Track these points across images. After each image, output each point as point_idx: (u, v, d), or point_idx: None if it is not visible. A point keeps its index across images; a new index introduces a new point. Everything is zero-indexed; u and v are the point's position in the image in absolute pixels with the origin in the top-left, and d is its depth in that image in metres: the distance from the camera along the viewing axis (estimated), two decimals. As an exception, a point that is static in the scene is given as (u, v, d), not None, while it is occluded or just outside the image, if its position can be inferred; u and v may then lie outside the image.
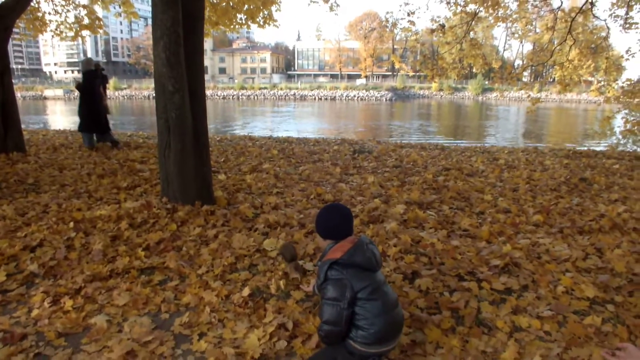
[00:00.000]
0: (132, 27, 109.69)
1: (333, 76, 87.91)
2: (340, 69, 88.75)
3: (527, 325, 2.80)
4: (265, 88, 71.06)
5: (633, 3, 11.58)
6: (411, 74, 70.91)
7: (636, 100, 11.40)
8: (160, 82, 4.41)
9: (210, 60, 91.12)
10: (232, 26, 10.20)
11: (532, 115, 30.00)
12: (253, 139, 12.79)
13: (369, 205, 5.24)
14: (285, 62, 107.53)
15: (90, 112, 8.80)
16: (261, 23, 10.30)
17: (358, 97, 65.81)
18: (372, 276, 2.23)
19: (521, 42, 79.02)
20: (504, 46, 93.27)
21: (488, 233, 4.34)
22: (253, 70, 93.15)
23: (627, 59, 12.73)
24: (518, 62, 78.44)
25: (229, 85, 75.05)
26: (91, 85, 8.76)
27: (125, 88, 69.79)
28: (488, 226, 4.59)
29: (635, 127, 11.62)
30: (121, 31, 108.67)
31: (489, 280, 3.32)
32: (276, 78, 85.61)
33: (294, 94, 68.19)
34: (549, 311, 2.92)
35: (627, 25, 11.81)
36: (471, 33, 12.98)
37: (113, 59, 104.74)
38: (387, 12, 17.03)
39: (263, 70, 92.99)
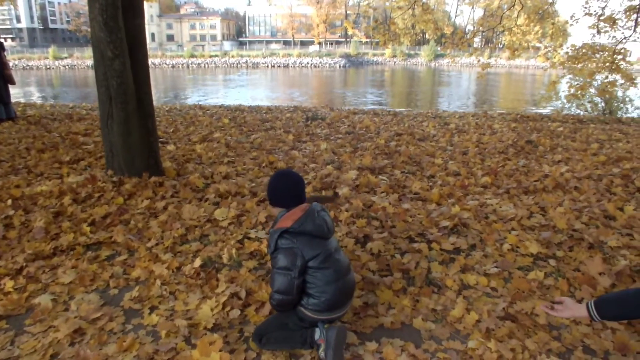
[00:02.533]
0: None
1: (285, 43, 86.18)
2: (292, 35, 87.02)
3: (475, 282, 2.90)
4: (216, 56, 68.79)
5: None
6: (364, 40, 70.63)
7: (580, 65, 11.83)
8: (99, 48, 4.16)
9: (157, 26, 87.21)
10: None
11: (482, 81, 30.65)
12: (203, 108, 12.43)
13: (322, 172, 5.24)
14: (236, 28, 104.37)
15: None
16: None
17: (311, 64, 65.06)
18: (324, 244, 2.21)
19: (472, 8, 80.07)
20: (456, 12, 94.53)
21: (438, 195, 4.44)
22: (203, 37, 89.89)
23: (572, 25, 13.13)
24: (469, 28, 79.62)
25: (177, 53, 72.07)
26: None
27: (66, 57, 65.60)
28: (438, 189, 4.69)
29: (579, 92, 12.09)
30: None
31: (439, 241, 3.41)
32: (227, 45, 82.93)
33: (246, 62, 66.52)
34: (496, 268, 3.04)
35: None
36: (422, -2, 12.98)
37: (51, 25, 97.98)
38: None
39: (213, 37, 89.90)
